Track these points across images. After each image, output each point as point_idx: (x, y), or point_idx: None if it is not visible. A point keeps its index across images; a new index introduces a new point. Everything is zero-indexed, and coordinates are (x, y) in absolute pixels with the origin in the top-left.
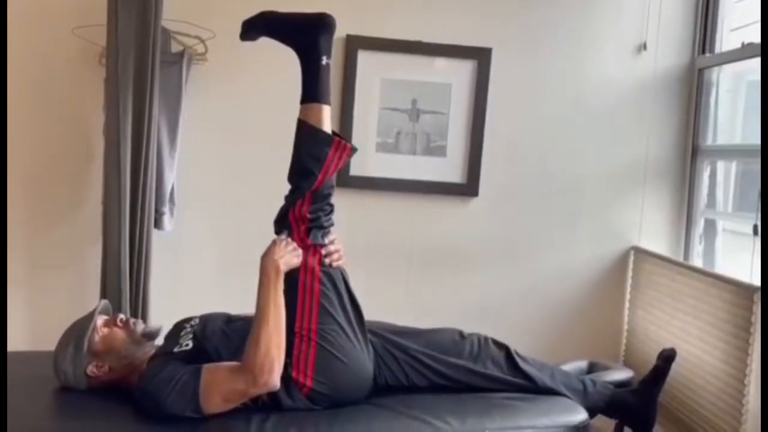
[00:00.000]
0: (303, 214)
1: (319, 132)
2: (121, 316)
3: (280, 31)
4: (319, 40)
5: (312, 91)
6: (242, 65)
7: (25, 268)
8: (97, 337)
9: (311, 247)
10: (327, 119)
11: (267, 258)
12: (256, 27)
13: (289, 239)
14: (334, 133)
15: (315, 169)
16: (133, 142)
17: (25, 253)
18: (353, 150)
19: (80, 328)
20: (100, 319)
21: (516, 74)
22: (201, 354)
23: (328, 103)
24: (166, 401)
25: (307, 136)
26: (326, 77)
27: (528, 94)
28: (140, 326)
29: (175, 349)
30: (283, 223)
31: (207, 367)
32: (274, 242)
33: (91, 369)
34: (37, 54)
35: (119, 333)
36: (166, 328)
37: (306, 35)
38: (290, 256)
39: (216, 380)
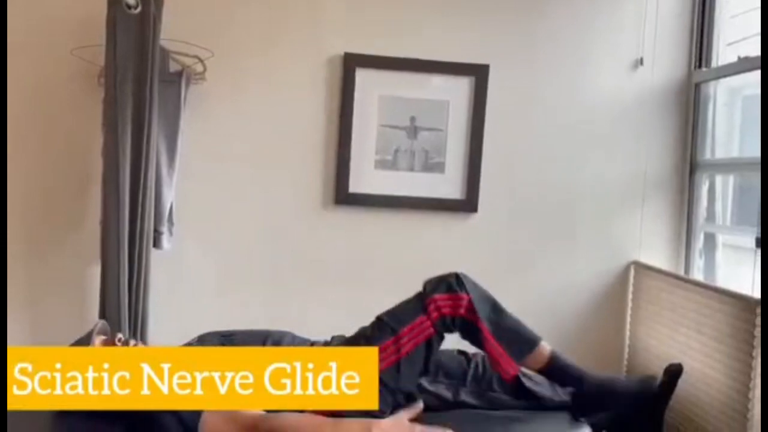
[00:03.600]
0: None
1: None
2: (120, 335)
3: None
4: None
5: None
6: (241, 85)
7: (24, 290)
8: None
9: None
10: None
11: None
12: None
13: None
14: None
15: None
16: (132, 161)
17: (24, 274)
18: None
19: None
20: (98, 339)
21: (513, 90)
22: None
23: None
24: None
25: None
26: None
27: (525, 109)
28: (139, 347)
29: None
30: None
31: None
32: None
33: None
34: (35, 75)
35: None
36: None
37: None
38: None
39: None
